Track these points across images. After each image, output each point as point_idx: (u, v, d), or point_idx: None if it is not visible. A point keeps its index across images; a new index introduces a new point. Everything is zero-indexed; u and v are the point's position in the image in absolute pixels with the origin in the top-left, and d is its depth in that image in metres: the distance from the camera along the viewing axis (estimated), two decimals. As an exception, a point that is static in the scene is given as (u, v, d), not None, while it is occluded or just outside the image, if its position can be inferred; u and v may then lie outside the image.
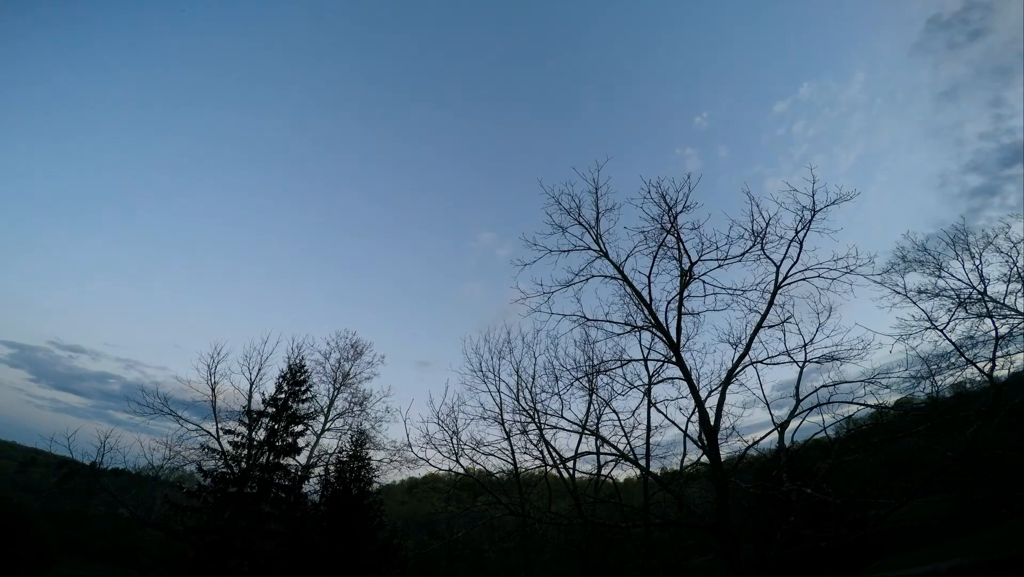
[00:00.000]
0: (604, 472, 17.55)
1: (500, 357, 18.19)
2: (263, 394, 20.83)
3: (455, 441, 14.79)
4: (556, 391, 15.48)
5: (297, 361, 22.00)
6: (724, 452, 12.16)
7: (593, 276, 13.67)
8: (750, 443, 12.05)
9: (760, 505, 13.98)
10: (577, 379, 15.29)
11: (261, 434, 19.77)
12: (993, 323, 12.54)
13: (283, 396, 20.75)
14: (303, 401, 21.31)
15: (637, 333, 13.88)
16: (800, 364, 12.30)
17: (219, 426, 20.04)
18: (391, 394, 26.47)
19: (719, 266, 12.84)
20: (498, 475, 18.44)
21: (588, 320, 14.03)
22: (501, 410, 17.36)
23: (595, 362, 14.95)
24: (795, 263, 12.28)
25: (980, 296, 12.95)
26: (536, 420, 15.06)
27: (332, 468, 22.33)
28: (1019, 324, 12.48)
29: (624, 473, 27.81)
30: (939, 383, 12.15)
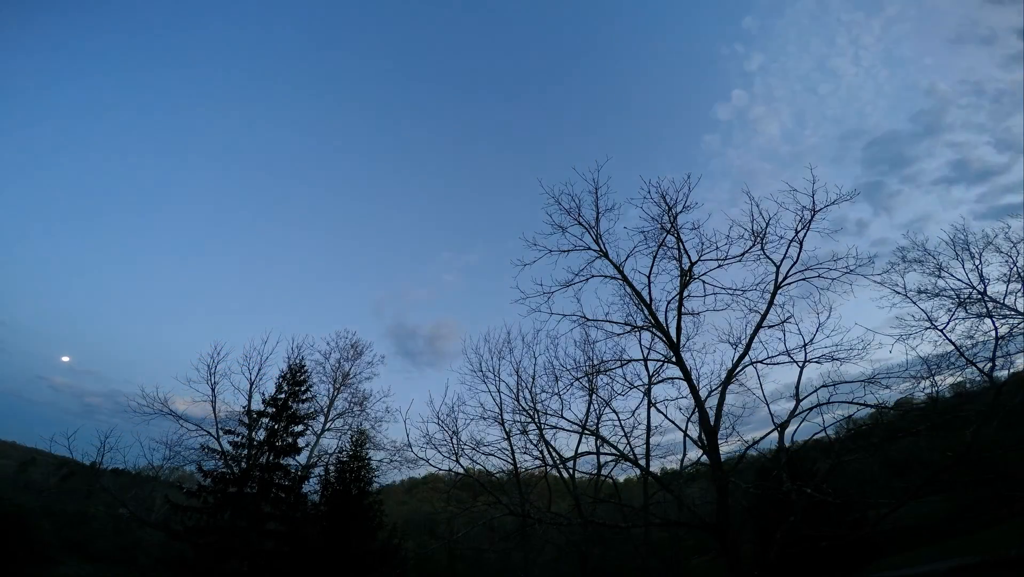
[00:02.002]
0: (604, 472, 17.53)
1: (500, 357, 18.18)
2: (263, 394, 20.82)
3: (455, 441, 14.80)
4: (556, 391, 15.48)
5: (297, 361, 21.98)
6: (724, 452, 12.16)
7: (593, 276, 13.70)
8: (750, 443, 12.07)
9: (760, 505, 14.00)
10: (577, 379, 15.31)
11: (261, 434, 19.76)
12: (993, 323, 12.54)
13: (283, 396, 20.73)
14: (303, 401, 21.29)
15: (637, 333, 13.89)
16: (800, 364, 12.30)
17: (219, 426, 20.05)
18: (391, 394, 26.40)
19: (719, 266, 12.86)
20: (498, 475, 18.43)
21: (588, 320, 14.05)
22: (501, 410, 17.36)
23: (595, 362, 14.97)
24: (795, 263, 12.31)
25: (980, 296, 12.94)
26: (536, 420, 15.06)
27: (332, 468, 22.32)
28: (1019, 324, 12.48)
29: (624, 473, 27.77)
30: (939, 383, 12.13)
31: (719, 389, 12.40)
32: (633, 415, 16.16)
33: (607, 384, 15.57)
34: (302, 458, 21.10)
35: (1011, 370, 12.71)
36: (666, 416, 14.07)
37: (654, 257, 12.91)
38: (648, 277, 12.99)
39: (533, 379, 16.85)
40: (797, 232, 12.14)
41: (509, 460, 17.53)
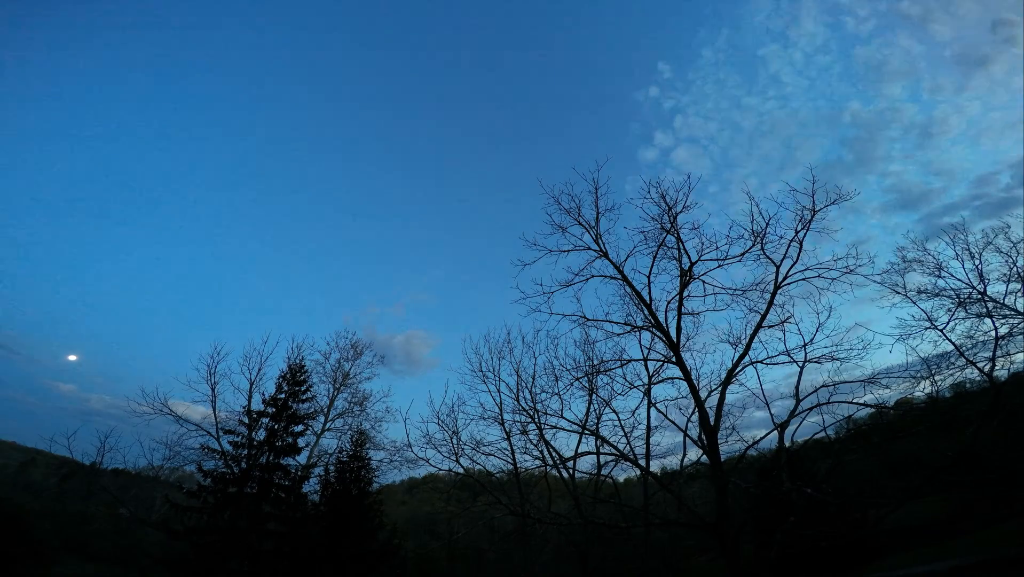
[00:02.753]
0: (604, 472, 17.54)
1: (500, 357, 18.15)
2: (263, 394, 20.81)
3: (455, 441, 14.83)
4: (556, 391, 15.48)
5: (297, 361, 21.97)
6: (724, 452, 12.17)
7: (593, 276, 13.71)
8: (750, 443, 12.07)
9: (760, 505, 13.99)
10: (577, 379, 15.30)
11: (261, 434, 19.75)
12: (993, 323, 12.54)
13: (283, 396, 20.71)
14: (303, 401, 21.28)
15: (637, 333, 13.91)
16: (800, 364, 12.31)
17: (219, 426, 20.04)
18: (391, 394, 26.48)
19: (719, 266, 12.87)
20: (498, 475, 18.42)
21: (588, 320, 14.05)
22: (501, 410, 17.35)
23: (595, 362, 14.97)
24: (795, 263, 12.32)
25: (980, 296, 12.94)
26: (536, 420, 15.06)
27: (332, 468, 22.32)
28: (1019, 324, 12.48)
29: (624, 473, 27.78)
30: (939, 383, 12.15)
31: (719, 389, 12.41)
32: (633, 415, 16.19)
33: (607, 384, 15.59)
34: (302, 458, 21.11)
35: (1011, 370, 12.72)
36: (666, 416, 14.09)
37: (654, 257, 12.93)
38: (648, 277, 13.00)
39: (533, 379, 16.85)
40: (797, 232, 12.16)
41: (509, 460, 17.52)
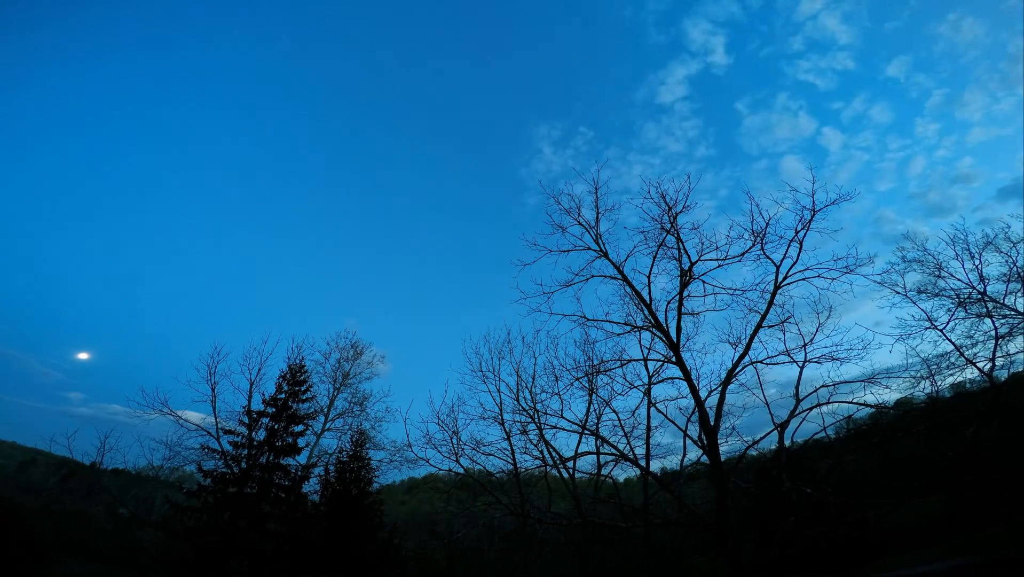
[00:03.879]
0: (604, 472, 17.55)
1: (500, 357, 18.19)
2: (263, 394, 20.80)
3: (455, 441, 14.85)
4: (556, 391, 15.49)
5: (297, 361, 21.97)
6: (724, 452, 12.16)
7: (593, 276, 13.72)
8: (750, 443, 12.06)
9: (760, 505, 13.99)
10: (577, 379, 15.30)
11: (261, 434, 19.74)
12: (993, 323, 12.56)
13: (283, 396, 20.70)
14: (303, 401, 21.26)
15: (637, 333, 13.90)
16: (800, 364, 12.31)
17: (219, 426, 20.04)
18: (391, 394, 26.53)
19: (719, 266, 12.87)
20: (498, 475, 18.42)
21: (588, 320, 14.06)
22: (501, 410, 17.36)
23: (595, 362, 14.96)
24: (795, 263, 12.31)
25: (980, 296, 12.95)
26: (536, 420, 15.07)
27: (332, 468, 22.33)
28: (1019, 324, 12.49)
29: (624, 473, 27.75)
30: (939, 383, 12.15)
31: (719, 389, 12.41)
32: (633, 415, 16.20)
33: (607, 384, 15.60)
34: (302, 458, 21.09)
35: (1011, 370, 12.75)
36: (666, 416, 14.09)
37: (654, 257, 12.93)
38: (648, 277, 13.00)
39: (533, 379, 16.88)
40: (797, 232, 12.16)
41: (509, 460, 17.52)
